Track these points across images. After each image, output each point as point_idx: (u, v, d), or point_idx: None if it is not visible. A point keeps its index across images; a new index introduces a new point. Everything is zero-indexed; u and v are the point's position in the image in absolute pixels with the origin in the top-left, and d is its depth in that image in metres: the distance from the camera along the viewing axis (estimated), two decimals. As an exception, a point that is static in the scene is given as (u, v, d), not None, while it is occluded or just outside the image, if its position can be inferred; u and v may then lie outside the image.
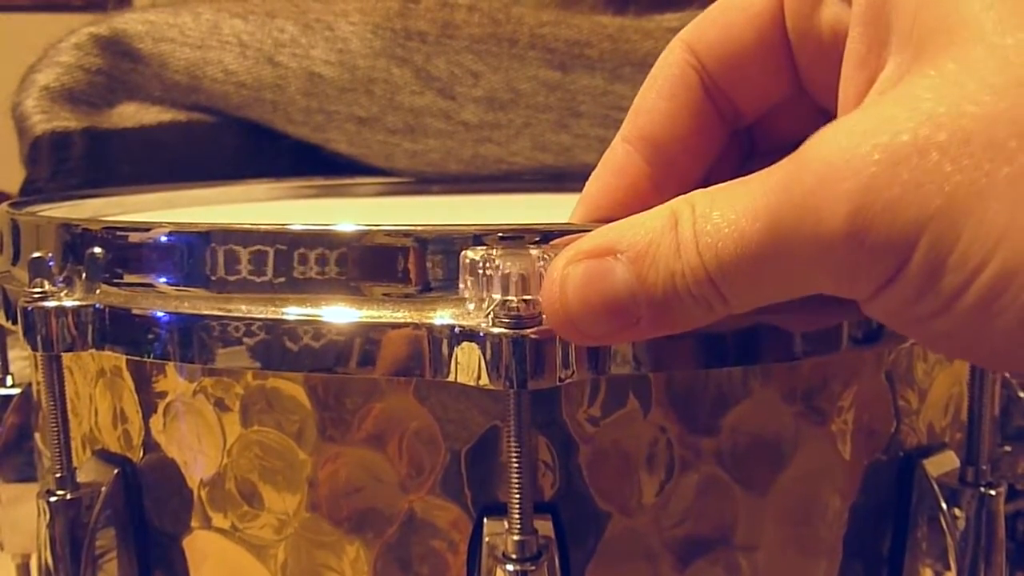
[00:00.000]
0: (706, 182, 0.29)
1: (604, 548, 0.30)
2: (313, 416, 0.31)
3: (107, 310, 0.31)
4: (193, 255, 0.30)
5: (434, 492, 0.30)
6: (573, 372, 0.27)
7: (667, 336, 0.27)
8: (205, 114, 0.66)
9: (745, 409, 0.31)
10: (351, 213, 0.54)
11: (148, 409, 0.34)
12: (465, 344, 0.27)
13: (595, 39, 0.65)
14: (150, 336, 0.30)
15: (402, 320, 0.28)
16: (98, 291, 0.32)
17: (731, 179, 0.23)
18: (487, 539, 0.29)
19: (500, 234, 0.28)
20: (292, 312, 0.29)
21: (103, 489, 0.33)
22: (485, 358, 0.26)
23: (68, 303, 0.31)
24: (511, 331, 0.26)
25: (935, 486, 0.34)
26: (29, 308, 0.31)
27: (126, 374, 0.34)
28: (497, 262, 0.26)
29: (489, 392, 0.27)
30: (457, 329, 0.27)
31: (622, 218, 0.31)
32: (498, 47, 0.64)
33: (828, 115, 0.25)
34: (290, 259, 0.29)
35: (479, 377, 0.27)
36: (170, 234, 0.31)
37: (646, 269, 0.23)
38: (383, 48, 0.64)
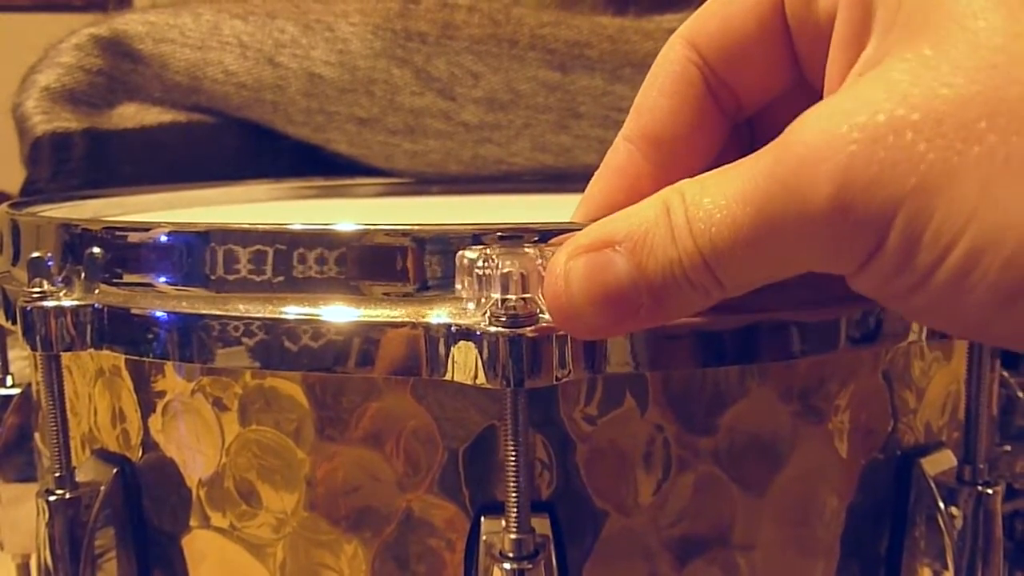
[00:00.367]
0: None
1: (601, 547, 0.30)
2: (311, 415, 0.31)
3: (106, 310, 0.31)
4: (192, 255, 0.30)
5: (432, 491, 0.30)
6: (570, 371, 0.27)
7: (664, 335, 0.28)
8: (205, 115, 0.66)
9: (742, 408, 0.31)
10: (351, 213, 0.54)
11: (147, 408, 0.34)
12: (462, 343, 0.27)
13: (595, 40, 0.65)
14: (149, 336, 0.31)
15: (400, 319, 0.28)
16: (97, 291, 0.32)
17: None
18: (484, 538, 0.29)
19: (498, 233, 0.28)
20: (291, 311, 0.29)
21: (102, 488, 0.34)
22: (482, 357, 0.26)
23: (67, 303, 0.31)
24: (508, 330, 0.26)
25: (933, 485, 0.34)
26: (28, 308, 0.31)
27: (125, 374, 0.34)
28: (496, 261, 0.26)
29: (486, 391, 0.27)
30: (454, 328, 0.27)
31: None
32: (498, 48, 0.64)
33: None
34: (289, 259, 0.29)
35: (476, 376, 0.27)
36: (169, 234, 0.31)
37: (644, 258, 0.24)
38: (383, 49, 0.64)
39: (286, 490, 0.31)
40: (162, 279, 0.31)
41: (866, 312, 0.30)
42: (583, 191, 0.32)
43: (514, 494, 0.27)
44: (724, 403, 0.31)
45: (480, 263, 0.27)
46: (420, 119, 0.65)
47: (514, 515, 0.27)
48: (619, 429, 0.30)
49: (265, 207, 0.59)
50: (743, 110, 0.30)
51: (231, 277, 0.30)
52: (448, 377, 0.27)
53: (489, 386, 0.26)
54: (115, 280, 0.32)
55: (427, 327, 0.27)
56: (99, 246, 0.32)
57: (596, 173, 0.31)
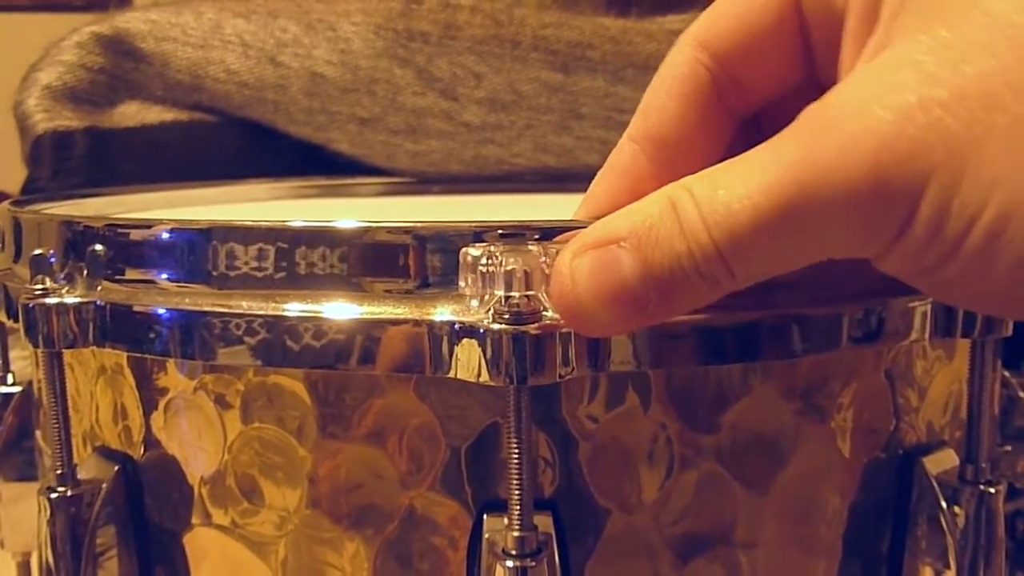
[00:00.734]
0: None
1: (604, 545, 0.30)
2: (313, 412, 0.31)
3: (108, 307, 0.31)
4: (194, 252, 0.30)
5: (434, 488, 0.30)
6: (573, 369, 0.27)
7: (667, 333, 0.28)
8: (207, 114, 0.66)
9: (745, 406, 0.31)
10: (352, 212, 0.54)
11: (149, 406, 0.34)
12: (465, 341, 0.27)
13: (597, 41, 0.65)
14: (151, 333, 0.31)
15: (403, 317, 0.28)
16: (99, 288, 0.32)
17: None
18: (487, 535, 0.29)
19: (499, 231, 0.28)
20: (293, 309, 0.29)
21: (104, 486, 0.34)
22: (485, 355, 0.26)
23: (69, 300, 0.31)
24: (511, 327, 0.26)
25: (935, 484, 0.34)
26: (30, 305, 0.31)
27: (127, 371, 0.34)
28: (499, 258, 0.26)
29: (489, 389, 0.27)
30: (457, 326, 0.27)
31: None
32: (500, 48, 0.64)
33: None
34: (291, 256, 0.29)
35: (479, 374, 0.27)
36: (171, 231, 0.31)
37: (650, 253, 0.24)
38: (385, 49, 0.64)
39: (288, 487, 0.31)
40: (164, 276, 0.31)
41: (868, 311, 0.30)
42: (585, 191, 0.32)
43: (517, 492, 0.27)
44: (727, 401, 0.31)
45: (484, 260, 0.27)
46: (422, 119, 0.65)
47: (517, 513, 0.27)
48: (622, 427, 0.30)
49: (266, 206, 0.59)
50: (751, 106, 0.30)
51: (233, 274, 0.30)
52: (452, 374, 0.27)
53: (492, 384, 0.26)
54: (117, 277, 0.32)
55: (431, 324, 0.27)
56: (101, 243, 0.32)
57: (599, 172, 0.31)
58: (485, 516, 0.30)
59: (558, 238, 0.27)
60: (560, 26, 0.65)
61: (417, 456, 0.30)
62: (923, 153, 0.21)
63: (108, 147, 0.62)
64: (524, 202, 0.61)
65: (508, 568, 0.27)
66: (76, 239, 0.33)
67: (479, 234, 0.28)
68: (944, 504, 0.33)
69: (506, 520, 0.27)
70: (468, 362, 0.27)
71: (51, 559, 0.33)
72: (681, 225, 0.23)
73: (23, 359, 0.47)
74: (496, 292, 0.26)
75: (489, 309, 0.26)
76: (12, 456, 0.45)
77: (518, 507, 0.27)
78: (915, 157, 0.21)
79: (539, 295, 0.26)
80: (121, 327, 0.31)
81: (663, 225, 0.23)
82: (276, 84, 0.64)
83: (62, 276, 0.32)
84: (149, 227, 0.32)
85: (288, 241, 0.29)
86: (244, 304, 0.29)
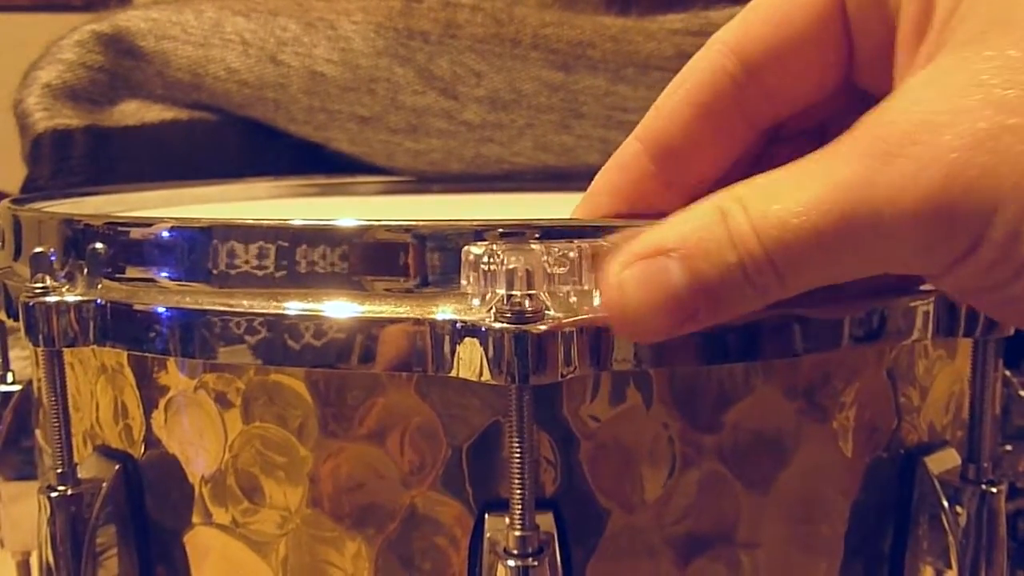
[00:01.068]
0: (723, 177, 0.29)
1: (605, 545, 0.30)
2: (315, 411, 0.31)
3: (108, 305, 0.31)
4: (195, 251, 0.30)
5: (435, 488, 0.30)
6: (575, 368, 0.27)
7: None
8: (207, 112, 0.66)
9: (747, 405, 0.31)
10: (353, 211, 0.54)
11: (149, 404, 0.34)
12: (467, 339, 0.27)
13: (598, 40, 0.65)
14: (151, 332, 0.30)
15: (404, 315, 0.28)
16: (100, 286, 0.32)
17: (748, 171, 0.24)
18: (488, 535, 0.29)
19: (500, 229, 0.28)
20: (293, 307, 0.29)
21: (104, 485, 0.33)
22: (487, 354, 0.26)
23: (70, 298, 0.31)
24: (513, 326, 0.26)
25: (936, 484, 0.33)
26: (31, 304, 0.31)
27: (127, 369, 0.34)
28: (501, 257, 0.26)
29: (491, 388, 0.27)
30: (459, 324, 0.27)
31: (626, 214, 0.31)
32: (500, 47, 0.64)
33: (861, 93, 0.26)
34: (292, 255, 0.29)
35: (481, 373, 0.27)
36: (172, 229, 0.31)
37: (699, 263, 0.24)
38: (385, 47, 0.64)
39: (289, 486, 0.31)
40: (164, 274, 0.31)
41: (870, 310, 0.30)
42: (585, 190, 0.32)
43: (519, 491, 0.27)
44: (729, 400, 0.31)
45: (486, 259, 0.27)
46: (422, 118, 0.65)
47: (518, 512, 0.27)
48: (624, 426, 0.30)
49: (266, 205, 0.59)
50: (775, 118, 0.29)
51: (233, 272, 0.30)
52: (453, 373, 0.27)
53: (494, 382, 0.26)
54: (118, 275, 0.32)
55: (432, 323, 0.27)
56: (101, 241, 0.32)
57: (602, 170, 0.31)
58: (487, 515, 0.30)
59: (609, 236, 0.27)
60: (560, 25, 0.65)
61: (418, 455, 0.30)
62: (993, 180, 0.21)
63: (108, 146, 0.62)
64: (524, 201, 0.61)
65: (509, 568, 0.27)
66: (76, 237, 0.33)
67: (480, 233, 0.28)
68: (946, 504, 0.33)
69: (508, 519, 0.27)
70: (470, 361, 0.27)
71: (51, 558, 0.33)
72: (731, 235, 0.23)
73: (23, 359, 0.47)
74: (498, 291, 0.26)
75: (491, 308, 0.26)
76: (12, 455, 0.45)
77: (520, 506, 0.27)
78: (985, 184, 0.21)
79: (540, 294, 0.26)
80: (121, 326, 0.31)
81: (712, 235, 0.23)
82: (276, 83, 0.64)
83: (62, 275, 0.32)
84: (149, 225, 0.32)
85: (289, 240, 0.29)
86: (245, 303, 0.29)
